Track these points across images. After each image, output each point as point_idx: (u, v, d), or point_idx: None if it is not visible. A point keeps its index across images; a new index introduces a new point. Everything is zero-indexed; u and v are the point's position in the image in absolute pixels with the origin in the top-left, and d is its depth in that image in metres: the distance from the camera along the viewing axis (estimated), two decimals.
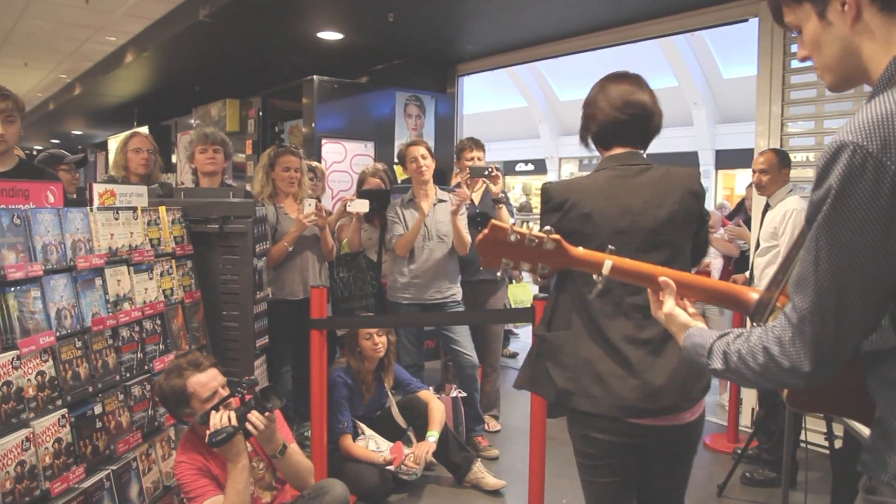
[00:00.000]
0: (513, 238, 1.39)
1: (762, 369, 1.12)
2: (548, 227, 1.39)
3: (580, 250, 1.40)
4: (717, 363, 1.21)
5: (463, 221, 4.02)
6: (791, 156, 4.11)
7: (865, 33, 1.06)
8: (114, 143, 10.86)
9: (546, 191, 1.97)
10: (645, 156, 2.01)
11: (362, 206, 4.04)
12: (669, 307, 1.39)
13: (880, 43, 1.06)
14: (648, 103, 1.95)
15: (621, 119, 1.94)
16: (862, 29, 1.06)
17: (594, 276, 1.41)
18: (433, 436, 3.53)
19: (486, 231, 1.39)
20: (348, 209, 4.10)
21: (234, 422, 2.28)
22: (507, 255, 1.41)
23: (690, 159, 15.24)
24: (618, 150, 1.98)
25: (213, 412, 2.30)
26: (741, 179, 15.14)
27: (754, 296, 1.39)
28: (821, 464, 3.71)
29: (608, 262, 1.40)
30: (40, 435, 2.04)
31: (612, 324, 1.88)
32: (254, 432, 2.32)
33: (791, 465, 3.32)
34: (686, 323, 1.35)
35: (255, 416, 2.32)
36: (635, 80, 1.99)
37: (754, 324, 1.30)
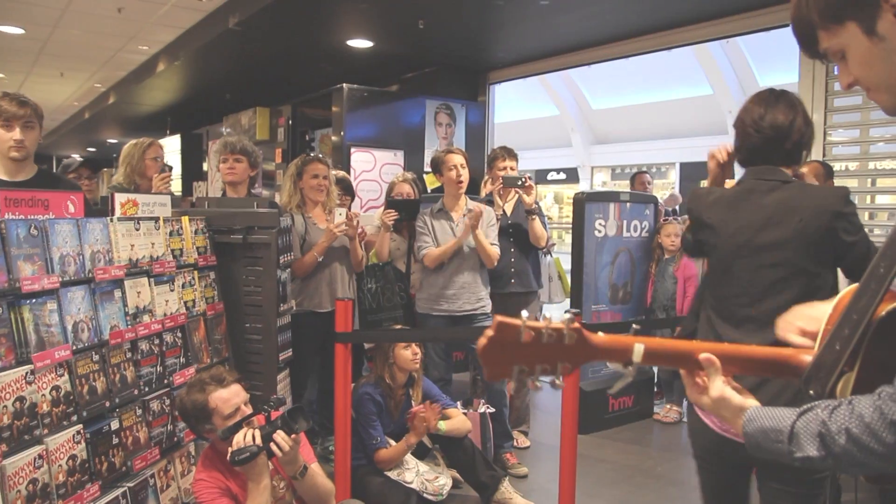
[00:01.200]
0: (526, 336, 1.10)
1: (891, 451, 0.91)
2: (568, 316, 1.14)
3: (602, 337, 1.17)
4: (812, 450, 0.98)
5: (488, 234, 3.93)
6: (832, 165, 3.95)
7: None
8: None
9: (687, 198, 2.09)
10: (790, 173, 2.00)
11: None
12: (719, 390, 1.15)
13: None
14: (782, 123, 1.95)
15: (753, 140, 2.00)
16: None
17: (623, 366, 1.19)
18: (442, 426, 3.42)
19: (490, 333, 1.11)
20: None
21: (258, 441, 2.20)
22: (520, 360, 1.11)
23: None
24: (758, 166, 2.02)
25: (238, 429, 2.22)
26: None
27: (807, 358, 1.17)
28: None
29: (639, 348, 1.16)
30: (54, 452, 1.98)
31: (724, 328, 1.94)
32: (278, 454, 2.24)
33: (832, 485, 3.16)
34: (741, 405, 1.13)
35: (280, 437, 2.24)
36: (771, 99, 1.99)
37: (811, 392, 1.11)
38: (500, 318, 1.12)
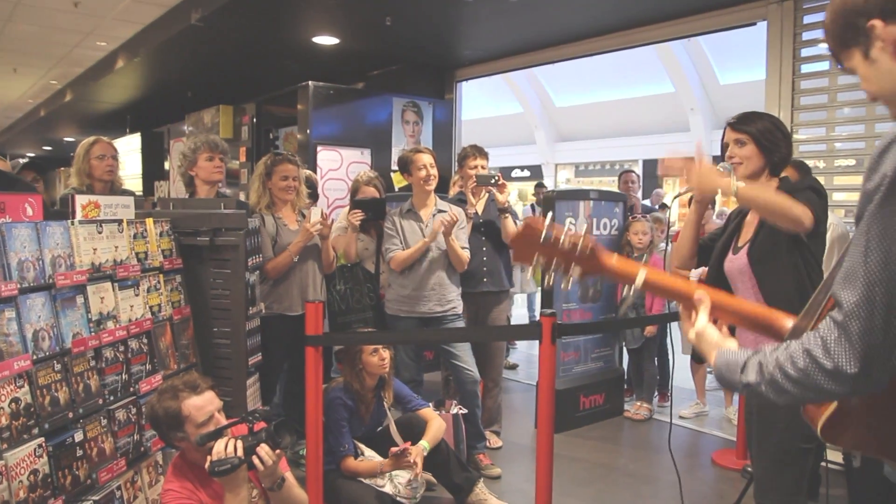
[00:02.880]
0: (545, 241, 1.36)
1: (801, 375, 1.08)
2: (586, 230, 1.32)
3: (614, 260, 1.36)
4: (752, 376, 1.17)
5: (459, 237, 3.90)
6: None
7: None
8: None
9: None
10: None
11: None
12: (702, 324, 1.34)
13: None
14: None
15: (787, 151, 2.44)
16: None
17: (626, 289, 1.40)
18: (425, 445, 3.38)
19: (521, 230, 1.39)
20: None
21: (240, 453, 2.13)
22: (542, 253, 1.37)
23: None
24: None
25: (218, 438, 2.15)
26: None
27: (789, 323, 1.34)
28: (839, 481, 3.58)
29: (642, 273, 1.36)
30: (14, 467, 1.89)
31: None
32: (260, 468, 2.17)
33: (812, 478, 3.20)
34: (718, 342, 1.30)
35: (265, 450, 2.16)
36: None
37: None
38: (529, 218, 1.39)
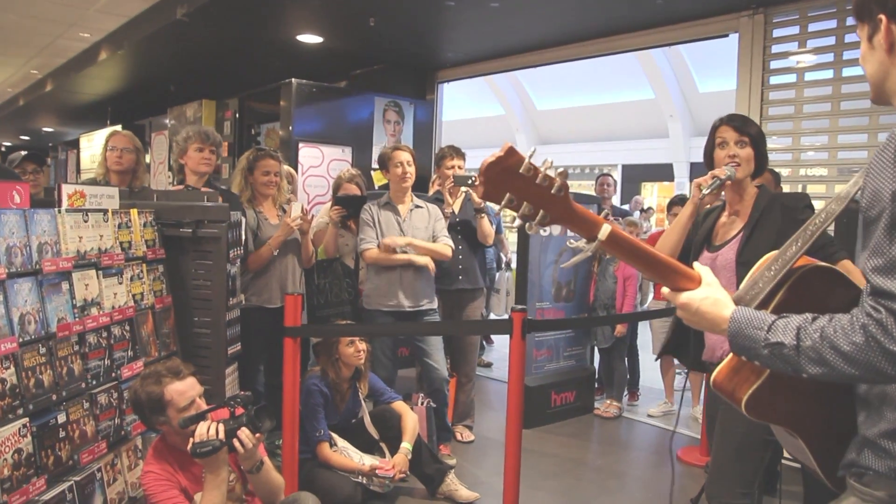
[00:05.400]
0: (525, 170, 1.22)
1: (856, 351, 1.10)
2: (562, 170, 1.26)
3: (581, 207, 1.28)
4: (785, 337, 1.18)
5: (436, 230, 4.02)
6: None
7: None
8: (86, 141, 10.65)
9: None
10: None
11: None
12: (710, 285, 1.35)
13: None
14: None
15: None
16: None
17: (582, 242, 1.31)
18: (407, 447, 3.48)
19: (499, 153, 1.23)
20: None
21: (221, 436, 2.21)
22: (513, 190, 1.23)
23: (665, 171, 15.38)
24: None
25: (201, 421, 2.23)
26: None
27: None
28: (796, 478, 3.73)
29: (606, 227, 1.28)
30: None
31: None
32: (240, 451, 2.25)
33: (770, 475, 3.33)
34: (726, 300, 1.32)
35: (245, 434, 2.25)
36: None
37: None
38: (510, 143, 1.24)
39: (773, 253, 1.40)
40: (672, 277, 1.36)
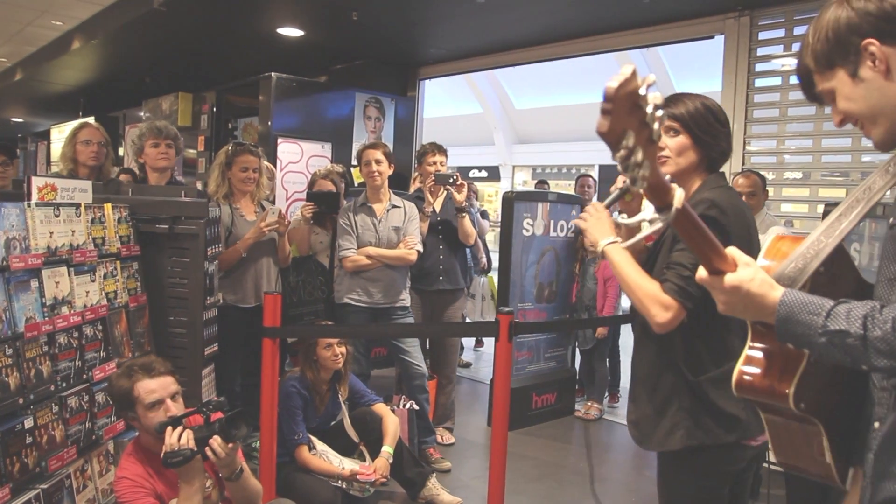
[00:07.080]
0: (643, 104, 0.99)
1: None
2: (662, 113, 1.01)
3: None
4: (850, 325, 1.07)
5: (409, 230, 3.99)
6: None
7: None
8: (57, 132, 10.40)
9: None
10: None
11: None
12: (754, 267, 1.19)
13: None
14: None
15: (727, 144, 1.98)
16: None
17: (656, 210, 1.10)
18: (388, 451, 3.41)
19: (626, 74, 0.98)
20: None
21: (191, 444, 2.11)
22: (632, 127, 0.99)
23: None
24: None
25: (171, 428, 2.13)
26: None
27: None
28: (779, 481, 3.72)
29: (680, 192, 1.09)
30: None
31: None
32: (213, 459, 2.16)
33: (754, 479, 3.31)
34: (771, 280, 1.17)
35: (217, 443, 2.15)
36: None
37: None
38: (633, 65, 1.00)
39: (779, 229, 1.35)
40: (715, 259, 1.18)
